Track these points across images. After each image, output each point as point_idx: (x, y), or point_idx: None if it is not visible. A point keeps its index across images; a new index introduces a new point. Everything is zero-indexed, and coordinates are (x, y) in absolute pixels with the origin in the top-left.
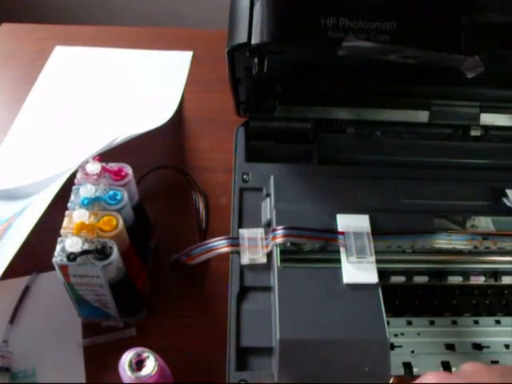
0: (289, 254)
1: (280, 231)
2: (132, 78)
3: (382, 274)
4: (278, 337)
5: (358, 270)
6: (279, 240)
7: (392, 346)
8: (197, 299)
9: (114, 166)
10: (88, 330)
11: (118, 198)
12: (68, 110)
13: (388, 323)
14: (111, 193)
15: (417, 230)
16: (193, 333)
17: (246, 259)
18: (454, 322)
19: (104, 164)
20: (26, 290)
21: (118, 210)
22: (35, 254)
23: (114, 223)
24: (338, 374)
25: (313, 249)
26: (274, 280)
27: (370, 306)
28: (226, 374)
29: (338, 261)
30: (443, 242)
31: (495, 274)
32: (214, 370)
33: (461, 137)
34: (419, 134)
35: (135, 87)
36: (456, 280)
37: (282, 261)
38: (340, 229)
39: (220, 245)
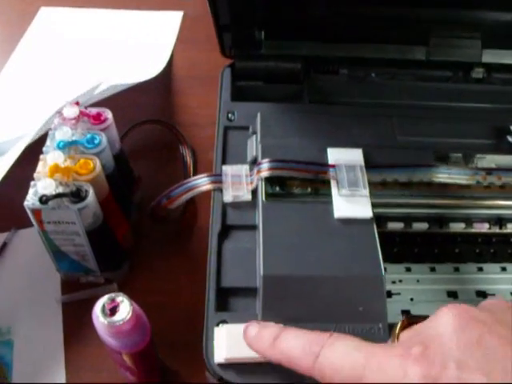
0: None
1: (265, 164)
2: (120, 39)
3: (379, 219)
4: (261, 273)
5: (350, 204)
6: (264, 173)
7: (390, 294)
8: (182, 255)
9: (93, 110)
10: (67, 286)
11: (96, 141)
12: (52, 68)
13: (385, 269)
14: (89, 136)
15: (414, 163)
16: (178, 289)
17: (229, 196)
18: (457, 269)
19: (82, 108)
20: (4, 246)
21: (96, 154)
22: (13, 210)
23: (91, 166)
24: (328, 314)
25: (304, 193)
26: (259, 215)
27: (364, 242)
28: (204, 316)
29: (329, 196)
30: (443, 176)
31: (500, 221)
32: (198, 323)
33: (462, 79)
34: (417, 76)
35: (123, 46)
36: (458, 227)
37: (267, 195)
38: (331, 162)
39: (201, 182)
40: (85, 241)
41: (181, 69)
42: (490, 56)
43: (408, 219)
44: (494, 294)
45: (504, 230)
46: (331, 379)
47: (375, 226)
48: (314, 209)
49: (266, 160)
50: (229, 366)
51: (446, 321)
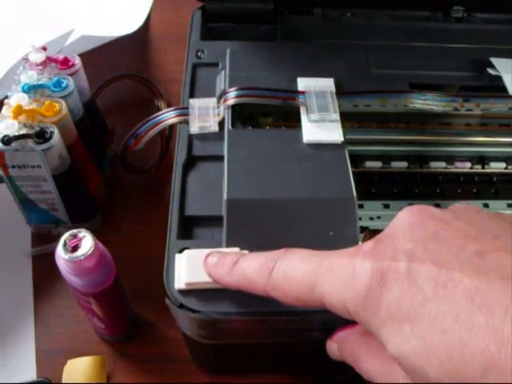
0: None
1: (232, 93)
2: None
3: (356, 158)
4: (225, 197)
5: (320, 129)
6: (231, 101)
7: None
8: (157, 206)
9: (60, 56)
10: (38, 239)
11: (63, 85)
12: (18, 11)
13: (363, 206)
14: (55, 80)
15: (388, 90)
16: (152, 240)
17: (195, 128)
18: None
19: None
20: None
21: (63, 98)
22: None
23: (57, 109)
24: (297, 240)
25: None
26: (225, 143)
27: (335, 166)
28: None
29: (300, 123)
30: (418, 102)
31: (482, 160)
32: None
33: (441, 19)
34: (394, 16)
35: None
36: (439, 166)
37: (234, 123)
38: (301, 89)
39: (168, 116)
40: (52, 187)
41: (158, 27)
42: None
43: (386, 157)
44: None
45: (487, 170)
46: (285, 294)
47: (347, 151)
48: (282, 135)
49: (233, 88)
50: (190, 292)
51: (402, 218)
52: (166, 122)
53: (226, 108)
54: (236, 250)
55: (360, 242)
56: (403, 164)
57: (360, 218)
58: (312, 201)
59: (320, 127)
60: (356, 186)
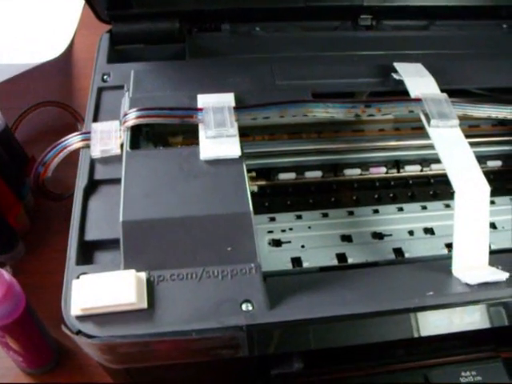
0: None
1: (131, 114)
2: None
3: (269, 171)
4: (120, 219)
5: (217, 145)
6: (130, 123)
7: (279, 243)
8: None
9: None
10: None
11: None
12: None
13: (274, 219)
14: None
15: (286, 100)
16: None
17: (97, 152)
18: (351, 213)
19: None
20: None
21: None
22: None
23: None
24: (194, 258)
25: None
26: (123, 165)
27: (231, 181)
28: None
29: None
30: (318, 111)
31: (397, 164)
32: None
33: (351, 28)
34: (304, 27)
35: (19, 26)
36: (354, 173)
37: (132, 144)
38: (200, 106)
39: (72, 141)
40: None
41: (82, 52)
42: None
43: (300, 168)
44: (390, 235)
45: (402, 173)
46: None
47: (244, 165)
48: (180, 154)
49: (132, 110)
50: (88, 318)
51: None
52: (70, 148)
53: (126, 130)
54: (132, 272)
55: (258, 255)
56: (317, 173)
57: (272, 231)
58: (208, 217)
59: (217, 143)
60: (269, 199)
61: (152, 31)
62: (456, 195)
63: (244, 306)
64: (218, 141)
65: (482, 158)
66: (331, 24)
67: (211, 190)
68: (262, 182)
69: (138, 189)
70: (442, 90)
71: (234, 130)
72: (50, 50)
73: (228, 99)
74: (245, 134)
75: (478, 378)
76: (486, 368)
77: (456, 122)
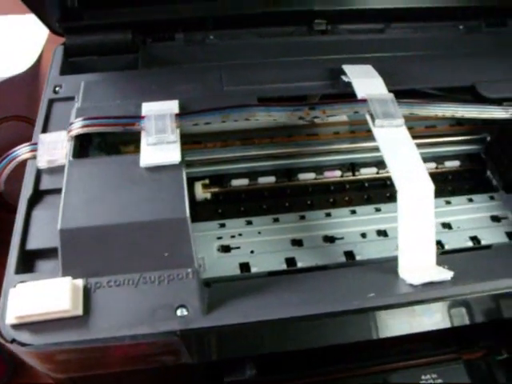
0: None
1: (75, 123)
2: None
3: (221, 178)
4: (58, 227)
5: (157, 152)
6: (74, 132)
7: (228, 248)
8: None
9: None
10: None
11: None
12: None
13: (224, 225)
14: None
15: (228, 105)
16: None
17: (43, 162)
18: (303, 217)
19: None
20: None
21: None
22: None
23: None
24: (132, 264)
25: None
26: (65, 174)
27: (170, 187)
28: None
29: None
30: (261, 114)
31: (352, 167)
32: None
33: (306, 33)
34: (259, 33)
35: None
36: (308, 177)
37: (76, 153)
38: (143, 114)
39: (20, 153)
40: None
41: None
42: (322, 4)
43: (253, 174)
44: (342, 238)
45: (358, 176)
46: None
47: (184, 171)
48: (122, 162)
49: (78, 119)
50: (23, 326)
51: None
52: (18, 159)
53: (70, 139)
54: (67, 279)
55: (195, 261)
56: (271, 179)
57: (221, 237)
58: (145, 223)
59: (157, 150)
60: (223, 206)
61: (105, 43)
62: (398, 194)
63: (179, 311)
64: (159, 147)
65: (439, 159)
66: (287, 30)
67: (149, 197)
68: (215, 189)
69: (78, 197)
70: (393, 91)
71: (175, 137)
72: (18, 64)
73: (171, 106)
74: (197, 141)
75: (439, 381)
76: (447, 370)
77: (401, 121)
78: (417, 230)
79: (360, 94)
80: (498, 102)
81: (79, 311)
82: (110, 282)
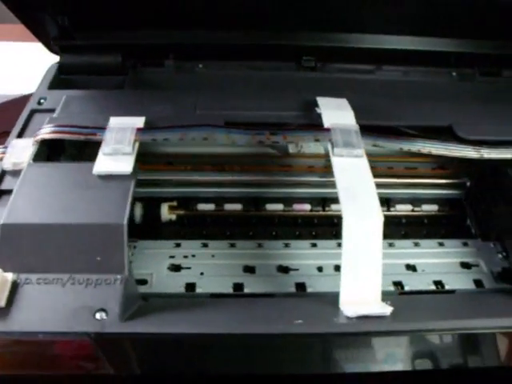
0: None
1: (43, 129)
2: None
3: (188, 201)
4: (0, 222)
5: (112, 161)
6: (39, 137)
7: (178, 268)
8: None
9: None
10: None
11: None
12: None
13: (179, 245)
14: None
15: (189, 124)
16: None
17: (8, 164)
18: (260, 245)
19: None
20: None
21: None
22: None
23: None
24: (64, 264)
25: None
26: (21, 175)
27: (115, 195)
28: None
29: None
30: (220, 136)
31: (323, 202)
32: None
33: (295, 68)
34: (249, 66)
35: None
36: (276, 208)
37: (36, 157)
38: (108, 126)
39: None
40: None
41: None
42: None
43: (220, 200)
44: (297, 269)
45: (328, 212)
46: None
47: (134, 182)
48: (77, 168)
49: (46, 126)
50: None
51: None
52: None
53: (35, 143)
54: None
55: (126, 268)
56: (237, 206)
57: (173, 256)
58: (82, 226)
59: (112, 159)
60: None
61: (96, 64)
62: (344, 224)
63: (98, 315)
64: (114, 158)
65: (416, 201)
66: (276, 65)
67: (93, 202)
68: (181, 212)
69: (27, 197)
70: (367, 126)
71: (131, 149)
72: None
73: (137, 122)
74: (169, 162)
75: None
76: None
77: (361, 151)
78: (361, 263)
79: (326, 124)
80: (474, 143)
81: (2, 303)
82: (39, 279)
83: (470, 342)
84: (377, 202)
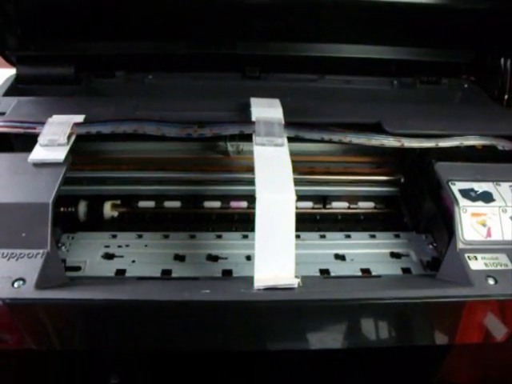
0: None
1: None
2: None
3: (129, 199)
4: None
5: (47, 151)
6: None
7: (111, 256)
8: None
9: None
10: None
11: None
12: None
13: (115, 236)
14: None
15: (121, 118)
16: None
17: None
18: (193, 236)
19: None
20: None
21: None
22: None
23: None
24: None
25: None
26: None
27: (46, 179)
28: None
29: None
30: (150, 128)
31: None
32: None
33: (239, 78)
34: (196, 77)
35: None
36: (214, 205)
37: None
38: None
39: None
40: None
41: None
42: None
43: (160, 198)
44: (226, 258)
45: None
46: None
47: (65, 169)
48: (13, 157)
49: None
50: None
51: None
52: None
53: None
54: None
55: (49, 243)
56: (176, 204)
57: (108, 246)
58: (10, 205)
59: (48, 150)
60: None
61: (50, 74)
62: (257, 203)
63: (16, 284)
64: (50, 148)
65: (352, 199)
66: (221, 75)
67: (25, 185)
68: (123, 209)
69: None
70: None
71: (65, 140)
72: None
73: (76, 119)
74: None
75: None
76: None
77: (282, 140)
78: (274, 240)
79: (253, 118)
80: (398, 135)
81: None
82: None
83: (387, 319)
84: (291, 183)
